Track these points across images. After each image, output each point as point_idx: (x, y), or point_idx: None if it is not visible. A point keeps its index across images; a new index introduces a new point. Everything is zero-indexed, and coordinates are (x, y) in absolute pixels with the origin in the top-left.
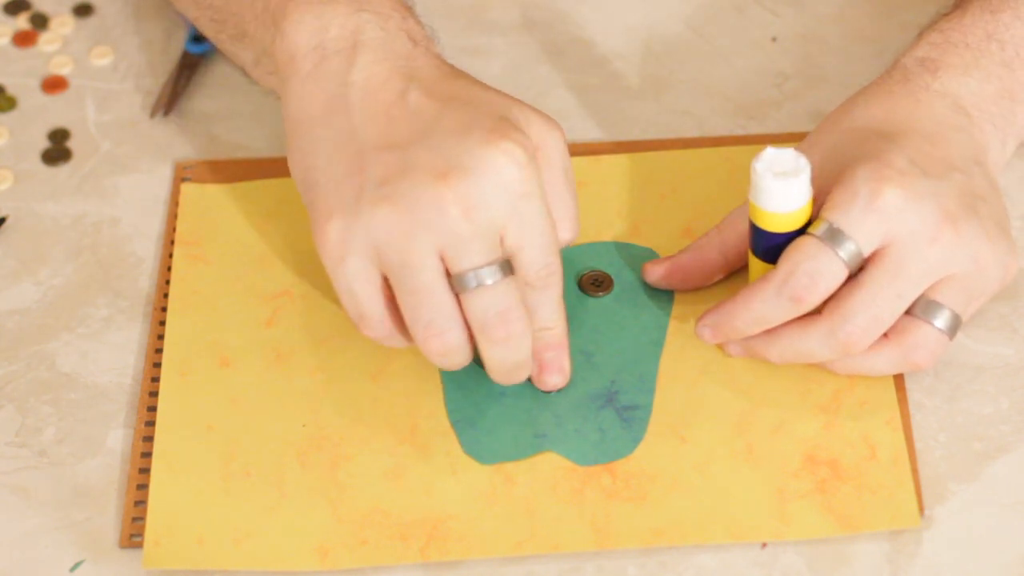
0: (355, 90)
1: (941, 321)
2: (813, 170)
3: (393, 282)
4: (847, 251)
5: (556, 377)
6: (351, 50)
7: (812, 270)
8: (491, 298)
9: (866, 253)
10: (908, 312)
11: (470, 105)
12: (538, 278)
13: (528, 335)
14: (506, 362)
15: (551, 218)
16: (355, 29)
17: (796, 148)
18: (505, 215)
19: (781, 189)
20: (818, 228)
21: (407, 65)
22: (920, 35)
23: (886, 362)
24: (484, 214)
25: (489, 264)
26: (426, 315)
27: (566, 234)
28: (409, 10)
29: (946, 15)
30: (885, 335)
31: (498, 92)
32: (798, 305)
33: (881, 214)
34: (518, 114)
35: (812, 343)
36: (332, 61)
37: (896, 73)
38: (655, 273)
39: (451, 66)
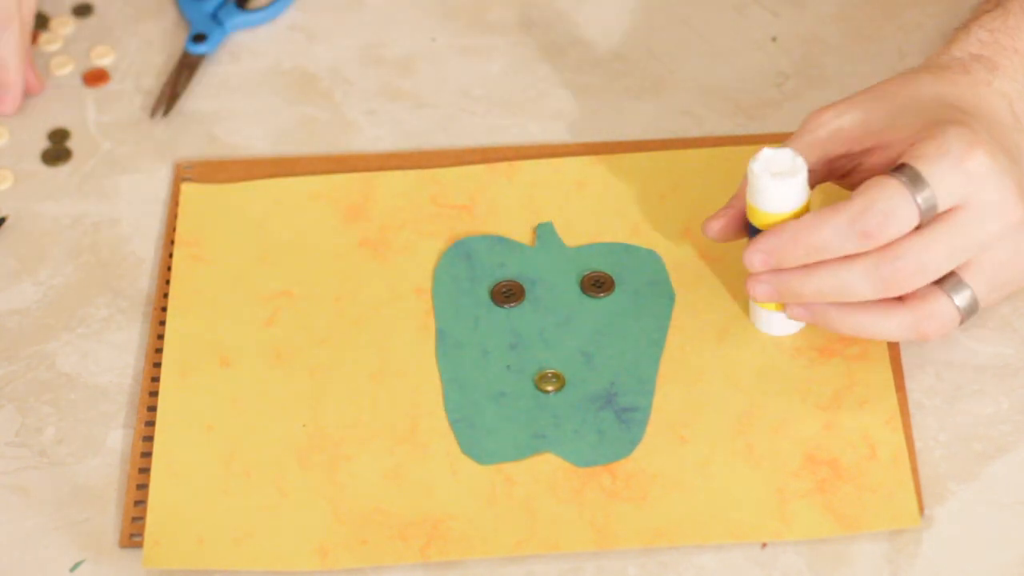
0: None
1: (961, 299)
2: (864, 113)
3: None
4: (925, 199)
5: None
6: None
7: (888, 209)
8: None
9: (941, 208)
10: (934, 282)
11: None
12: None
13: None
14: None
15: None
16: None
17: (860, 95)
18: None
19: (778, 189)
20: (900, 172)
21: None
22: (966, 27)
23: (896, 326)
24: None
25: None
26: None
27: None
28: None
29: (988, 12)
30: (901, 298)
31: None
32: (866, 241)
33: (968, 175)
34: None
35: (854, 275)
36: None
37: (955, 64)
38: (713, 229)
39: None
